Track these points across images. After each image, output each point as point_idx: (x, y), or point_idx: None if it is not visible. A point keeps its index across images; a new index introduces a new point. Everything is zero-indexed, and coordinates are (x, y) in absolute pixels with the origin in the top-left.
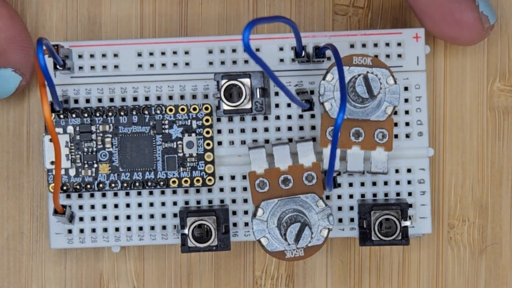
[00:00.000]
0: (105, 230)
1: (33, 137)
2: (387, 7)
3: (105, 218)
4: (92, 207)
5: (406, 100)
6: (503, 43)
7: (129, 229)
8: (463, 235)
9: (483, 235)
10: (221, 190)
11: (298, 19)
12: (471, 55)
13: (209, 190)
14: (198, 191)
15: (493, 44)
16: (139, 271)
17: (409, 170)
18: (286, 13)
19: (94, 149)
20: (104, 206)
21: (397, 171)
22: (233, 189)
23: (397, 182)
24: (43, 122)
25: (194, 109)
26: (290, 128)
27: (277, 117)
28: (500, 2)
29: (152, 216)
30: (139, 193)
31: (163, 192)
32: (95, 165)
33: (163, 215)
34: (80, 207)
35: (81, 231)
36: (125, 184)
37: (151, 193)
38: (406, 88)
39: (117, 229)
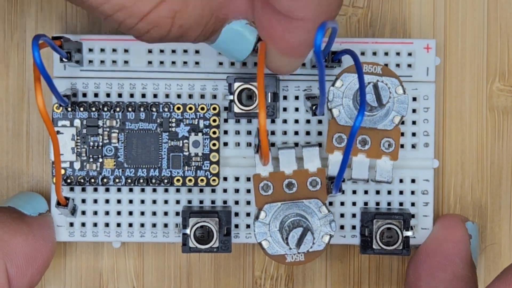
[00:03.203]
0: (107, 225)
1: (33, 137)
2: (386, 7)
3: (107, 213)
4: (95, 201)
5: (414, 111)
6: (502, 43)
7: (130, 225)
8: None
9: (482, 235)
10: (225, 191)
11: None
12: (470, 55)
13: (213, 190)
14: (201, 190)
15: (492, 44)
16: (139, 271)
17: (413, 181)
18: None
19: (100, 143)
20: (107, 201)
21: (401, 181)
22: (237, 191)
23: (401, 192)
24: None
25: (202, 108)
26: (296, 133)
27: (284, 121)
28: (500, 2)
29: (154, 213)
30: (143, 190)
31: (166, 190)
32: (100, 160)
33: (166, 213)
34: (83, 201)
35: (83, 224)
36: (129, 180)
37: (154, 190)
38: (414, 99)
39: (118, 225)
